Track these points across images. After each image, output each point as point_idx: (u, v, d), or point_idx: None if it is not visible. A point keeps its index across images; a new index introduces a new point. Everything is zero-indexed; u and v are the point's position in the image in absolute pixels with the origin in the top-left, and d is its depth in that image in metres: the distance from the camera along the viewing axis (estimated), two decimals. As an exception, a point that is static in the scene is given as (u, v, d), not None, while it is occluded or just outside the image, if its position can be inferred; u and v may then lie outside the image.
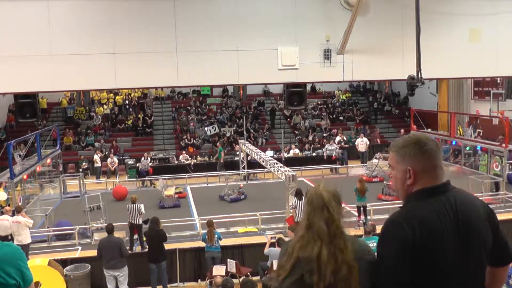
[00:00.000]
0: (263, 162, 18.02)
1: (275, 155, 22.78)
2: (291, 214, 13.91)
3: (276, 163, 16.59)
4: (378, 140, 28.20)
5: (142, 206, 13.71)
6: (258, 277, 11.25)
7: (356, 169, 23.81)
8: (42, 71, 11.12)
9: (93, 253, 11.32)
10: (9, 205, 14.05)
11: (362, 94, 34.16)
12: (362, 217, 14.74)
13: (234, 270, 11.12)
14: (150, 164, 23.25)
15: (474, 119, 25.52)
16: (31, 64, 11.04)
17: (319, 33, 11.97)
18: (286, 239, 12.28)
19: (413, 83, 10.53)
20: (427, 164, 2.25)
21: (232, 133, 28.39)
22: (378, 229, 12.11)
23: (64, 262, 11.15)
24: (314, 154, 25.83)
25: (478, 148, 18.47)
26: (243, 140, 23.61)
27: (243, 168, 22.38)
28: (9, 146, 15.34)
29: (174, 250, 11.75)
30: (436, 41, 12.12)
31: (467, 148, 18.75)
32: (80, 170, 22.97)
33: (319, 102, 32.30)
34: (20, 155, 19.92)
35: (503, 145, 16.94)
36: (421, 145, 2.27)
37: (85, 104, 29.89)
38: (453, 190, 2.29)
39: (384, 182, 18.03)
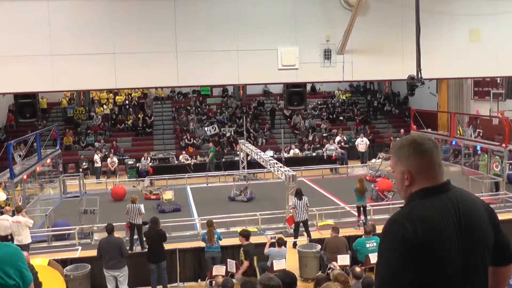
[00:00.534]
0: (263, 162, 18.03)
1: (275, 155, 22.78)
2: (291, 214, 13.91)
3: (276, 163, 16.60)
4: (391, 138, 27.90)
5: (142, 206, 13.74)
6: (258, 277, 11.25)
7: (356, 169, 23.82)
8: (42, 71, 11.11)
9: (93, 253, 11.32)
10: (9, 205, 14.06)
11: (362, 94, 34.16)
12: (362, 217, 14.75)
13: (234, 270, 11.12)
14: (150, 164, 23.27)
15: (474, 119, 25.52)
16: (31, 64, 11.02)
17: (319, 33, 11.96)
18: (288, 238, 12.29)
19: (413, 83, 10.53)
20: (422, 165, 2.24)
21: (232, 133, 28.39)
22: (378, 229, 12.13)
23: (64, 262, 11.14)
24: (314, 154, 25.83)
25: (478, 148, 18.48)
26: (243, 140, 23.62)
27: (243, 168, 22.38)
28: (9, 146, 15.35)
29: (174, 250, 11.74)
30: (436, 41, 12.11)
31: (478, 147, 18.65)
32: (80, 170, 22.98)
33: (319, 102, 32.30)
34: (20, 155, 19.93)
35: (503, 145, 16.94)
36: (415, 146, 2.26)
37: (85, 104, 29.86)
38: (454, 189, 2.28)
39: (372, 185, 17.82)
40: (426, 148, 2.25)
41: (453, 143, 19.96)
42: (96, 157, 23.75)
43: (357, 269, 8.33)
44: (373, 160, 23.15)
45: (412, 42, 10.49)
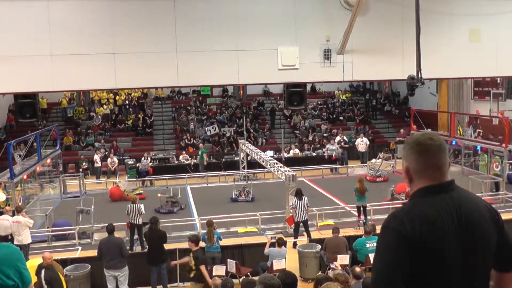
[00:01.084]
0: (263, 162, 18.02)
1: (275, 155, 22.78)
2: (291, 214, 13.91)
3: (276, 163, 16.60)
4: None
5: (142, 206, 13.74)
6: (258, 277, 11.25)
7: (356, 169, 23.82)
8: (42, 71, 11.11)
9: (93, 253, 11.32)
10: (9, 205, 14.06)
11: (362, 94, 34.16)
12: (362, 217, 14.74)
13: (234, 270, 11.12)
14: (150, 164, 23.25)
15: (474, 119, 25.51)
16: (31, 64, 11.03)
17: (319, 33, 11.96)
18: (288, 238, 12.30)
19: (413, 83, 10.53)
20: (420, 164, 2.24)
21: (232, 133, 28.39)
22: (378, 229, 12.12)
23: (64, 262, 11.13)
24: (314, 154, 25.83)
25: (478, 148, 18.48)
26: (243, 140, 23.61)
27: (243, 168, 22.38)
28: (9, 146, 15.35)
29: (174, 250, 11.74)
30: (436, 41, 12.11)
31: (478, 147, 18.62)
32: (80, 170, 22.97)
33: (319, 102, 32.30)
34: (20, 155, 19.93)
35: (503, 145, 16.94)
36: (415, 145, 2.28)
37: (85, 104, 29.88)
38: (457, 189, 2.27)
39: (392, 186, 17.52)
40: (425, 147, 2.25)
41: (453, 143, 19.95)
42: (96, 157, 23.75)
43: (357, 269, 8.33)
44: (373, 160, 23.14)
45: (412, 42, 10.49)
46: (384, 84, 33.00)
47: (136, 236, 13.44)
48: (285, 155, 24.30)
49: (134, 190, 19.65)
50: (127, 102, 30.96)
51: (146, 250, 11.93)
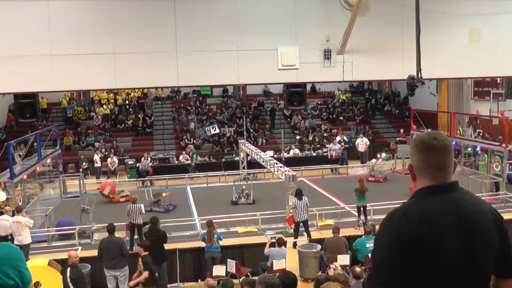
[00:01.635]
0: (263, 162, 18.02)
1: (275, 155, 22.77)
2: (291, 214, 13.91)
3: (276, 163, 16.59)
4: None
5: (142, 206, 13.74)
6: (258, 277, 11.24)
7: (356, 169, 23.82)
8: (42, 71, 11.12)
9: (93, 253, 11.32)
10: (9, 205, 14.06)
11: (361, 94, 34.17)
12: (362, 217, 14.74)
13: (234, 270, 11.12)
14: (150, 164, 23.25)
15: (474, 119, 25.51)
16: (31, 64, 11.03)
17: (319, 33, 11.96)
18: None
19: (413, 83, 10.53)
20: (423, 161, 2.23)
21: (232, 133, 28.38)
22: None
23: (64, 262, 11.12)
24: (314, 154, 25.84)
25: (478, 148, 18.49)
26: (243, 140, 23.61)
27: (243, 168, 22.38)
28: (9, 146, 15.34)
29: (174, 250, 11.74)
30: (436, 41, 12.12)
31: (478, 147, 18.61)
32: (80, 170, 22.97)
33: (319, 102, 32.30)
34: (20, 155, 19.94)
35: (503, 145, 16.94)
36: (418, 143, 2.27)
37: (85, 104, 29.87)
38: (460, 191, 2.23)
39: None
40: (428, 146, 2.23)
41: (453, 143, 19.96)
42: (96, 157, 23.75)
43: (357, 269, 8.32)
44: (373, 160, 23.16)
45: (412, 42, 10.49)
46: (384, 84, 33.00)
47: (136, 236, 13.44)
48: (285, 155, 24.30)
49: (121, 192, 19.55)
50: (127, 102, 30.96)
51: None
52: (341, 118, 31.10)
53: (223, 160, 24.64)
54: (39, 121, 25.19)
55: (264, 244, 11.71)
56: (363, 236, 11.69)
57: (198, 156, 24.44)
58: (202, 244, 11.69)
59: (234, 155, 25.26)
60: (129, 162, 23.51)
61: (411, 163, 2.29)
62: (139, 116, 29.72)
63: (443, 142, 2.24)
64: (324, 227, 14.71)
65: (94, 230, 14.30)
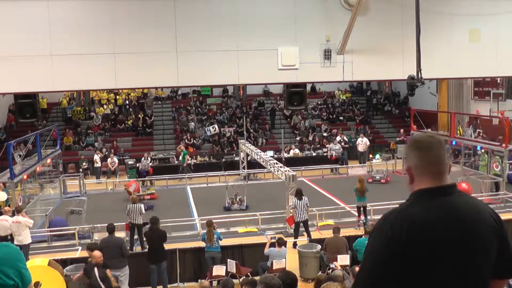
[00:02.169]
0: (263, 162, 18.02)
1: (275, 155, 22.78)
2: (291, 214, 13.91)
3: (276, 163, 16.59)
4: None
5: (142, 206, 13.75)
6: (258, 277, 11.24)
7: (357, 169, 23.82)
8: (42, 71, 11.11)
9: (93, 253, 11.30)
10: (9, 205, 14.06)
11: (361, 93, 34.17)
12: (362, 217, 14.74)
13: (234, 270, 11.12)
14: (150, 164, 23.26)
15: (474, 119, 25.51)
16: (31, 64, 11.03)
17: (319, 33, 11.96)
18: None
19: (413, 83, 10.53)
20: (420, 160, 2.21)
21: (232, 133, 28.39)
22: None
23: (64, 262, 11.14)
24: (314, 154, 25.84)
25: (478, 148, 18.49)
26: (243, 140, 23.61)
27: (243, 168, 22.38)
28: (9, 146, 15.34)
29: (174, 250, 11.74)
30: (436, 41, 12.11)
31: (478, 147, 18.55)
32: (80, 170, 22.97)
33: (319, 102, 32.30)
34: (20, 155, 19.94)
35: (503, 145, 16.94)
36: (415, 142, 2.27)
37: (85, 104, 29.88)
38: (458, 193, 2.20)
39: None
40: (425, 144, 2.23)
41: (453, 143, 19.96)
42: (96, 157, 23.75)
43: (357, 269, 8.32)
44: (373, 161, 23.18)
45: (412, 42, 10.49)
46: (384, 84, 33.00)
47: (136, 236, 13.45)
48: (285, 155, 24.30)
49: (147, 189, 19.70)
50: (127, 102, 30.96)
51: (146, 250, 11.94)
52: (341, 118, 31.10)
53: (223, 160, 24.64)
54: (39, 121, 25.18)
55: (264, 244, 11.71)
56: (363, 236, 11.68)
57: (189, 157, 24.41)
58: (202, 244, 11.69)
59: (234, 155, 25.27)
60: (129, 162, 23.52)
61: (409, 165, 2.26)
62: (139, 116, 29.72)
63: (438, 139, 2.25)
64: (324, 227, 14.72)
65: (80, 232, 14.25)
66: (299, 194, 13.66)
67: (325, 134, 28.67)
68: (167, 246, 11.45)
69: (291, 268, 10.48)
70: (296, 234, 13.64)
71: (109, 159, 23.82)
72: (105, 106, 30.16)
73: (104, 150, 25.92)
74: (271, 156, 19.59)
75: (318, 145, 26.99)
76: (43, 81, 11.21)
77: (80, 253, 13.18)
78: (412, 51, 10.62)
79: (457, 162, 19.75)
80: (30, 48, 10.98)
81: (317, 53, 12.03)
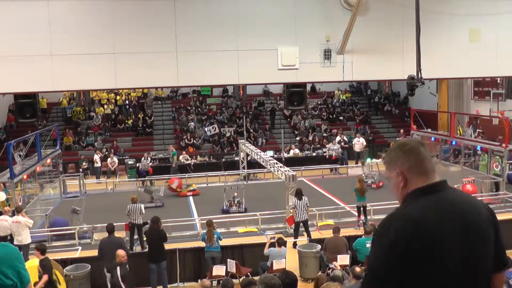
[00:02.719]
0: (263, 162, 18.01)
1: (275, 155, 22.77)
2: (291, 214, 13.91)
3: (276, 163, 16.59)
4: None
5: (142, 206, 13.74)
6: (258, 277, 11.24)
7: (357, 169, 23.80)
8: (42, 71, 11.12)
9: (93, 253, 11.32)
10: (9, 205, 14.05)
11: (360, 93, 34.17)
12: (362, 217, 14.74)
13: (234, 270, 11.11)
14: (150, 164, 23.25)
15: (474, 119, 25.51)
16: (31, 64, 11.03)
17: (319, 33, 11.97)
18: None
19: (413, 83, 10.53)
20: (412, 163, 2.22)
21: (232, 133, 28.39)
22: (378, 229, 12.11)
23: (64, 262, 11.13)
24: (314, 154, 25.84)
25: (478, 148, 18.48)
26: (243, 140, 23.61)
27: (243, 168, 22.38)
28: (9, 146, 15.33)
29: (174, 250, 11.73)
30: (436, 41, 12.12)
31: (478, 147, 18.48)
32: (80, 170, 22.96)
33: (319, 102, 32.30)
34: (20, 155, 19.92)
35: (503, 145, 16.94)
36: (401, 147, 2.29)
37: (85, 104, 29.89)
38: (450, 189, 2.23)
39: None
40: (411, 146, 2.26)
41: (453, 143, 19.95)
42: (96, 157, 23.75)
43: (357, 269, 8.31)
44: (370, 160, 23.14)
45: (412, 42, 10.50)
46: (384, 84, 33.00)
47: (136, 236, 13.44)
48: (285, 155, 24.30)
49: (188, 186, 19.81)
50: (127, 102, 30.96)
51: (146, 250, 11.94)
52: (341, 118, 31.10)
53: (223, 160, 24.64)
54: (39, 121, 25.21)
55: (264, 244, 11.70)
56: (363, 236, 11.69)
57: (189, 157, 24.39)
58: (202, 244, 11.68)
59: (234, 155, 25.26)
60: (129, 162, 23.51)
61: (399, 170, 2.24)
62: (139, 116, 29.72)
63: (419, 141, 2.34)
64: (324, 227, 14.71)
65: (79, 232, 14.27)
66: (299, 194, 13.65)
67: (325, 134, 28.67)
68: (167, 246, 11.45)
69: (291, 268, 10.47)
70: (296, 234, 13.64)
71: (109, 159, 23.82)
72: (105, 106, 30.16)
73: (104, 150, 25.91)
74: (271, 156, 19.58)
75: (318, 145, 26.99)
76: (43, 81, 11.21)
77: (80, 253, 13.19)
78: (412, 51, 10.62)
79: (457, 162, 19.73)
80: (30, 48, 10.99)
81: (317, 53, 12.03)
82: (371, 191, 17.28)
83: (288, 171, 15.16)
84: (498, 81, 24.46)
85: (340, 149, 24.66)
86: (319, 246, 11.80)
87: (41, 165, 18.67)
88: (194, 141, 27.64)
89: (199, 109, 31.03)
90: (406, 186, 2.23)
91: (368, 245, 11.29)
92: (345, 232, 12.57)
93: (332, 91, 33.52)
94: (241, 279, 10.05)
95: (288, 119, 30.67)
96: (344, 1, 11.84)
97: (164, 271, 11.12)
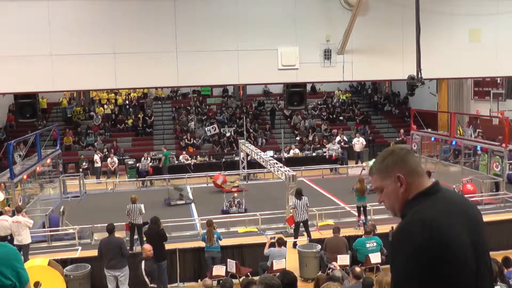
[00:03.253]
0: (263, 162, 18.01)
1: (275, 155, 22.77)
2: (291, 214, 13.91)
3: (276, 163, 16.58)
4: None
5: (142, 206, 13.73)
6: (258, 277, 11.24)
7: (357, 169, 23.79)
8: (42, 71, 11.12)
9: (93, 253, 11.32)
10: (9, 205, 14.05)
11: (360, 93, 34.17)
12: (362, 217, 14.74)
13: (234, 270, 11.11)
14: (150, 164, 23.24)
15: (474, 119, 25.51)
16: (31, 64, 11.03)
17: (319, 33, 11.96)
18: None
19: (413, 83, 10.53)
20: (409, 167, 2.21)
21: (232, 133, 28.39)
22: (379, 229, 12.12)
23: (64, 262, 11.13)
24: (314, 154, 25.84)
25: (478, 148, 18.48)
26: (243, 140, 23.61)
27: (243, 168, 22.38)
28: (9, 146, 15.32)
29: (174, 250, 11.73)
30: (436, 41, 12.12)
31: (478, 147, 18.47)
32: (80, 170, 22.96)
33: (319, 102, 32.31)
34: (20, 155, 19.93)
35: (503, 145, 16.94)
36: (394, 152, 2.26)
37: (85, 104, 29.89)
38: (446, 188, 2.23)
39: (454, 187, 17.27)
40: (405, 151, 2.26)
41: (453, 143, 19.94)
42: (96, 157, 23.74)
43: (357, 269, 8.32)
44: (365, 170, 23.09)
45: (412, 42, 10.49)
46: (384, 84, 33.01)
47: (136, 236, 13.44)
48: (285, 155, 24.29)
49: (232, 182, 19.92)
50: (127, 102, 30.97)
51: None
52: (341, 118, 31.10)
53: (223, 160, 24.64)
54: (39, 121, 25.22)
55: (264, 244, 11.70)
56: (363, 236, 11.69)
57: (190, 157, 24.37)
58: (202, 244, 11.68)
59: (234, 155, 25.26)
60: (129, 162, 23.50)
61: (398, 174, 2.18)
62: (139, 116, 29.73)
63: (406, 147, 2.34)
64: (324, 227, 14.71)
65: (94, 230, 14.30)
66: (299, 194, 13.65)
67: (325, 134, 28.66)
68: (167, 246, 11.45)
69: (291, 268, 10.47)
70: (296, 234, 13.63)
71: (109, 159, 23.82)
72: (105, 106, 30.16)
73: (104, 150, 25.91)
74: (271, 156, 19.58)
75: (318, 145, 26.99)
76: (43, 81, 11.21)
77: (80, 253, 13.19)
78: (412, 51, 10.62)
79: (457, 162, 19.73)
80: (30, 48, 10.98)
81: (317, 53, 12.03)
82: (371, 192, 17.27)
83: (288, 171, 15.16)
84: (498, 81, 24.46)
85: (340, 149, 24.65)
86: (319, 246, 11.80)
87: (41, 165, 18.66)
88: (194, 141, 27.64)
89: (199, 109, 31.03)
90: (407, 191, 2.18)
91: (368, 245, 11.30)
92: (345, 232, 12.56)
93: (332, 91, 33.53)
94: (241, 279, 10.06)
95: (288, 119, 30.67)
96: (344, 1, 11.84)
97: (164, 271, 11.12)
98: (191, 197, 18.92)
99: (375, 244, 11.32)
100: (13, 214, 12.71)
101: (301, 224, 13.59)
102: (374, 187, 2.33)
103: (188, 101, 31.54)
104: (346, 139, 26.14)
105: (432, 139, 20.80)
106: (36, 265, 10.55)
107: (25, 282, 1.96)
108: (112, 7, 11.33)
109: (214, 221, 12.09)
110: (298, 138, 28.49)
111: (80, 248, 13.68)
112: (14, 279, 1.92)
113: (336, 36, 11.92)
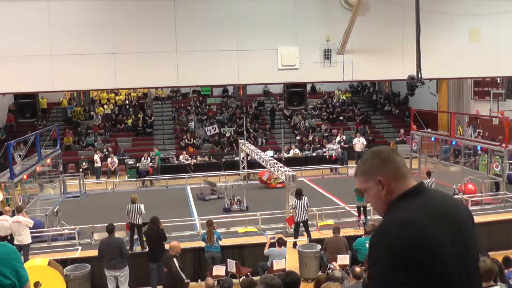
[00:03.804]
0: (263, 162, 18.01)
1: (275, 155, 22.77)
2: (291, 214, 13.91)
3: (276, 163, 16.59)
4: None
5: (142, 206, 13.73)
6: (258, 277, 11.24)
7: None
8: (42, 71, 11.12)
9: (93, 253, 11.31)
10: (9, 205, 14.05)
11: (359, 93, 34.17)
12: (362, 217, 14.74)
13: (234, 270, 11.11)
14: (150, 164, 23.24)
15: (474, 119, 25.52)
16: (31, 64, 11.04)
17: (319, 33, 11.97)
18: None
19: (413, 83, 10.54)
20: (391, 169, 2.22)
21: (232, 133, 28.39)
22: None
23: (64, 262, 11.13)
24: (314, 154, 25.83)
25: (478, 148, 18.48)
26: (243, 140, 23.60)
27: (243, 168, 22.38)
28: (9, 146, 15.33)
29: (174, 250, 11.72)
30: (436, 41, 12.13)
31: (478, 147, 18.46)
32: (80, 170, 22.96)
33: (319, 102, 32.31)
34: (20, 155, 19.93)
35: (503, 145, 16.94)
36: (377, 154, 2.27)
37: (85, 104, 29.89)
38: (430, 189, 2.25)
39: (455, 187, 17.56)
40: (387, 153, 2.26)
41: (453, 143, 19.95)
42: (96, 157, 23.73)
43: (357, 269, 8.31)
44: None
45: (412, 42, 10.50)
46: (384, 84, 33.01)
47: (136, 236, 13.44)
48: (285, 155, 24.29)
49: (276, 179, 19.93)
50: (127, 102, 30.96)
51: (146, 250, 11.94)
52: (341, 118, 31.10)
53: (223, 160, 24.64)
54: (39, 121, 25.22)
55: (264, 244, 11.70)
56: (363, 236, 11.69)
57: (188, 158, 24.37)
58: (202, 244, 11.68)
59: (234, 155, 25.26)
60: (129, 162, 23.50)
61: (379, 178, 2.20)
62: (139, 116, 29.73)
63: (391, 148, 2.33)
64: (324, 227, 14.71)
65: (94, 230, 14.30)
66: (299, 194, 13.65)
67: (325, 134, 28.67)
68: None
69: (291, 268, 10.47)
70: (296, 234, 13.63)
71: (109, 159, 23.82)
72: (105, 106, 30.16)
73: (104, 150, 25.91)
74: (271, 156, 19.58)
75: (318, 145, 26.99)
76: (43, 81, 11.22)
77: (80, 253, 13.19)
78: (412, 51, 10.62)
79: (457, 162, 19.73)
80: (30, 48, 10.99)
81: (317, 53, 12.04)
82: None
83: (288, 171, 15.16)
84: (498, 81, 24.46)
85: (339, 149, 24.64)
86: (319, 246, 11.80)
87: (41, 165, 18.66)
88: (194, 141, 27.64)
89: (199, 109, 31.03)
90: (390, 193, 2.20)
91: (368, 245, 11.28)
92: (345, 232, 12.56)
93: (332, 91, 33.53)
94: (241, 279, 10.05)
95: (288, 119, 30.67)
96: (344, 1, 11.85)
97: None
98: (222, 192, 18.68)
99: (375, 244, 11.31)
100: (13, 214, 12.71)
101: (301, 224, 13.59)
102: (359, 189, 2.37)
103: (188, 101, 31.54)
104: (346, 139, 26.14)
105: (432, 139, 20.80)
106: (36, 265, 10.55)
107: (24, 281, 1.96)
108: (112, 7, 11.33)
109: (214, 221, 12.09)
110: (298, 138, 28.49)
111: (80, 248, 13.68)
112: (14, 279, 1.92)
113: (336, 36, 11.93)
